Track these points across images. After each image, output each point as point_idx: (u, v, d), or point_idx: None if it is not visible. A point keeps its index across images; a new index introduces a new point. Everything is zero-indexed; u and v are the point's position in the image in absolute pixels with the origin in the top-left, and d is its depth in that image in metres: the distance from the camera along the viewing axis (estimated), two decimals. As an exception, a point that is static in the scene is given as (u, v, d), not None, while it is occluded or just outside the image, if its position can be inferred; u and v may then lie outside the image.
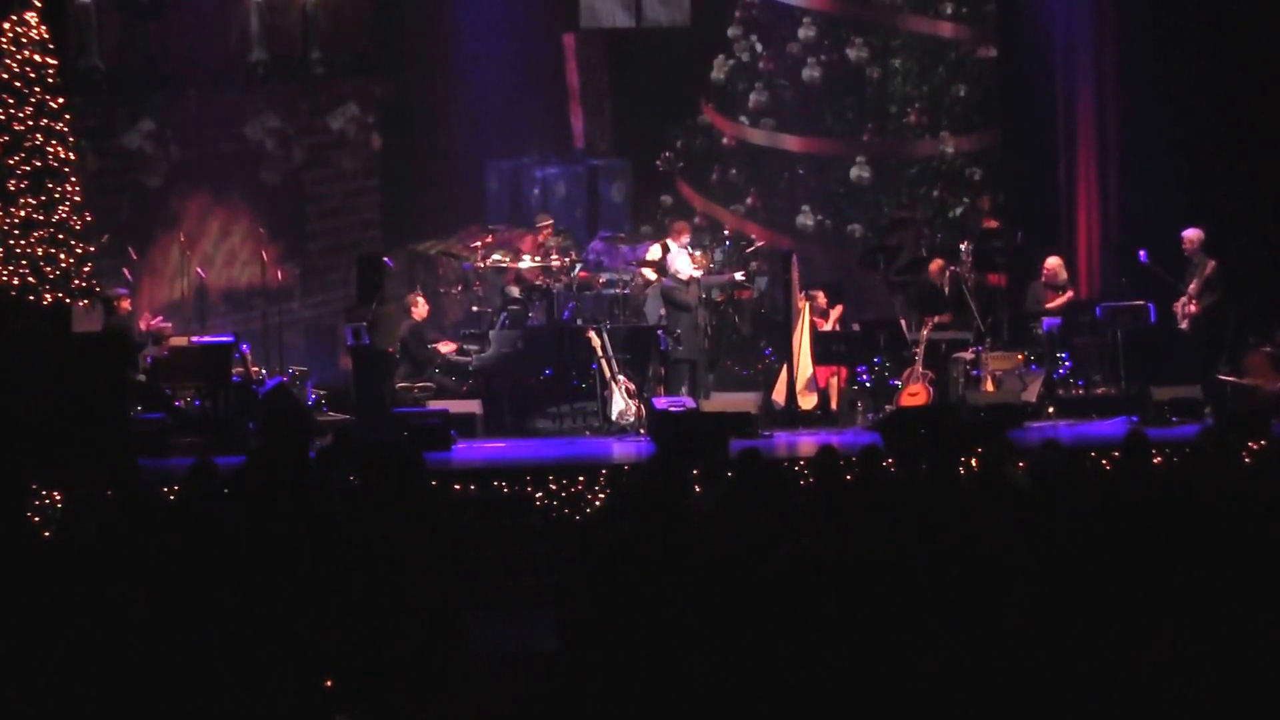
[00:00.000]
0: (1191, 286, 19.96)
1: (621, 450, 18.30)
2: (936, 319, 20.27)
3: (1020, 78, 23.53)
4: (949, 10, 24.19)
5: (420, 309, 20.55)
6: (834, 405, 20.45)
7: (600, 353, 19.64)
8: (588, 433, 19.66)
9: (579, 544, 12.41)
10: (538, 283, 21.01)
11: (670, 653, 7.37)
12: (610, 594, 8.46)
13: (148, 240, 22.76)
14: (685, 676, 7.22)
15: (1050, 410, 19.75)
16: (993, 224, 23.07)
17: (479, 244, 21.72)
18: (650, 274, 21.33)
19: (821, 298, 21.12)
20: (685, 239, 21.04)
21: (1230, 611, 7.95)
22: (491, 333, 20.67)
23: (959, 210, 24.06)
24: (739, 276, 21.95)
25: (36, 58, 17.85)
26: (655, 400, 18.89)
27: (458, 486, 15.69)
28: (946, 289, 20.87)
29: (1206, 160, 21.57)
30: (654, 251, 21.61)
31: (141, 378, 19.10)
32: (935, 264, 21.23)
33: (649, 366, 20.36)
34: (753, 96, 24.49)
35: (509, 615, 13.02)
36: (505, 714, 9.16)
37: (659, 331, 20.10)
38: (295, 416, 11.24)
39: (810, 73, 24.36)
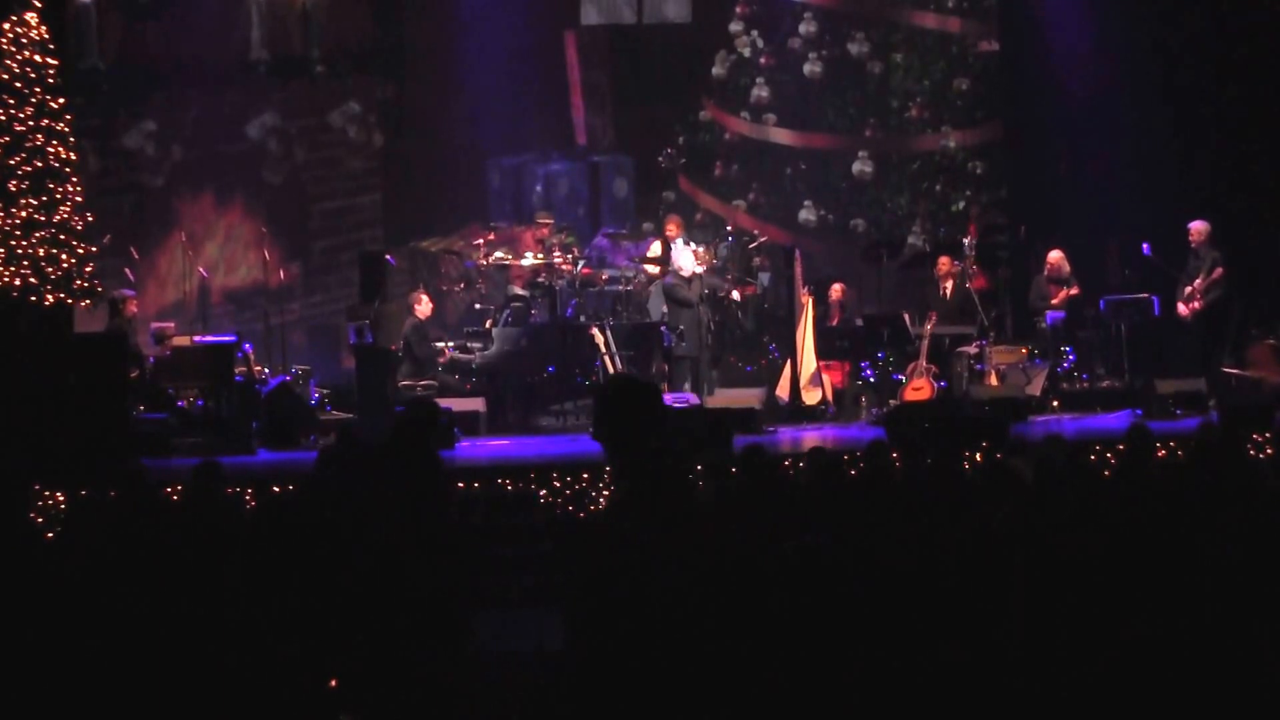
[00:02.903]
0: (1197, 282, 19.94)
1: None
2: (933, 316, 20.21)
3: (1022, 71, 23.53)
4: (950, 4, 24.19)
5: (424, 307, 20.52)
6: (828, 395, 20.43)
7: (603, 349, 19.63)
8: (591, 430, 19.60)
9: (584, 541, 12.38)
10: (540, 280, 20.97)
11: (675, 651, 7.34)
12: (614, 591, 8.43)
13: (149, 240, 22.80)
14: (690, 674, 7.20)
15: (1054, 404, 19.75)
16: (975, 222, 23.08)
17: (481, 241, 21.68)
18: (653, 269, 21.32)
19: (837, 290, 21.14)
20: (674, 233, 21.04)
21: (1233, 604, 7.94)
22: (494, 330, 20.63)
23: (961, 205, 24.06)
24: (735, 295, 21.79)
25: (37, 58, 17.86)
26: (658, 397, 18.84)
27: (461, 484, 15.65)
28: (950, 286, 20.79)
29: (1209, 152, 21.56)
30: (654, 249, 21.60)
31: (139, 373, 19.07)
32: (944, 261, 21.08)
33: (652, 363, 20.34)
34: (754, 92, 24.49)
35: (513, 614, 13.01)
36: (510, 713, 9.15)
37: (662, 328, 20.08)
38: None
39: (811, 68, 24.37)
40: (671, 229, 21.24)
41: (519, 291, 21.09)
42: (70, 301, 17.99)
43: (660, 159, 24.49)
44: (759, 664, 7.21)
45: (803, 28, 24.37)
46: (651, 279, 21.27)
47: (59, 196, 17.84)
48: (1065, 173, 22.79)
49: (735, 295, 21.76)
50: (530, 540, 15.17)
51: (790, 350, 20.53)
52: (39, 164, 17.77)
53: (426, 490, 10.52)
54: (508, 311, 20.91)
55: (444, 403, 19.03)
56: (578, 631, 7.14)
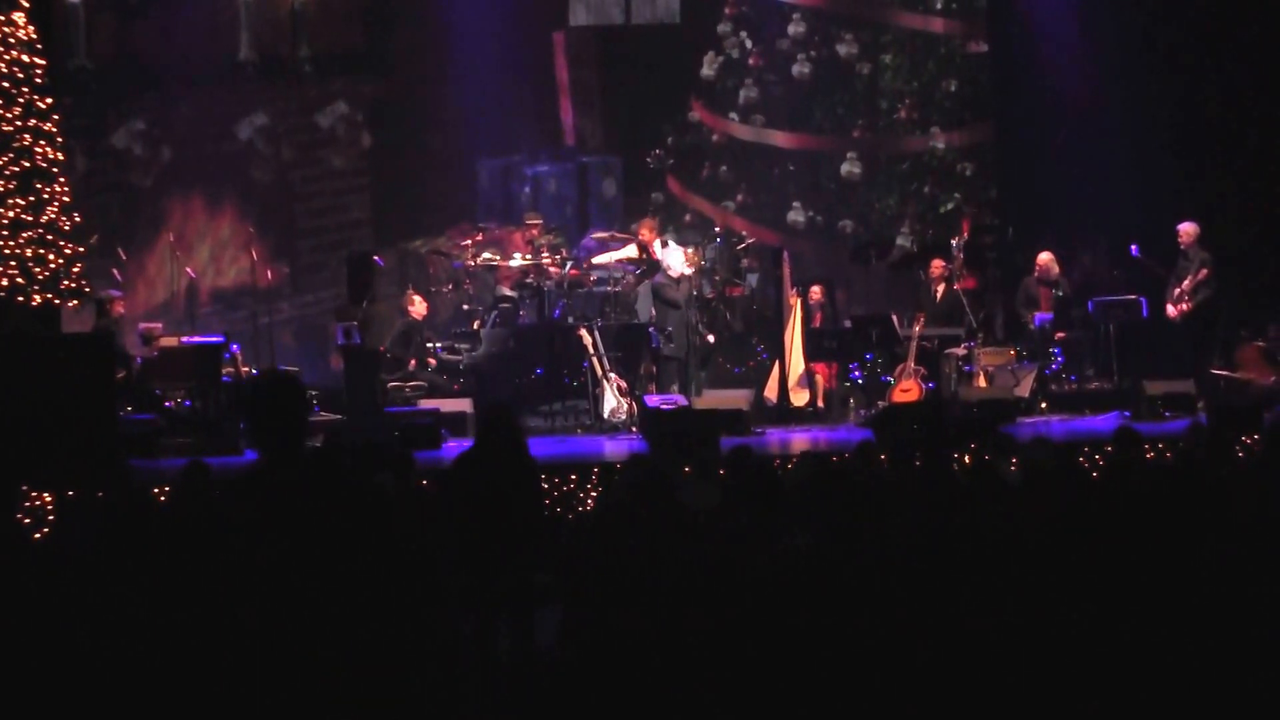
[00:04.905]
0: (1185, 283, 19.96)
1: (613, 448, 18.25)
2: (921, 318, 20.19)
3: (1010, 72, 23.55)
4: (939, 5, 24.20)
5: (417, 308, 20.49)
6: (820, 402, 20.43)
7: (591, 351, 19.62)
8: (579, 431, 19.62)
9: (576, 542, 12.39)
10: (528, 281, 20.96)
11: (667, 652, 7.34)
12: (607, 592, 8.43)
13: (137, 241, 22.76)
14: (683, 675, 7.20)
15: (1043, 405, 19.76)
16: (968, 223, 23.12)
17: (469, 242, 21.65)
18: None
19: (816, 291, 21.12)
20: (648, 237, 21.05)
21: (1221, 606, 7.93)
22: (482, 331, 20.62)
23: (949, 206, 24.07)
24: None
25: (24, 58, 17.80)
26: (647, 398, 18.85)
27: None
28: (942, 289, 20.77)
29: (1198, 153, 21.58)
30: (629, 251, 21.55)
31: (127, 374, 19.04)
32: (937, 263, 21.05)
33: (640, 364, 20.33)
34: (742, 93, 24.49)
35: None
36: (504, 714, 9.13)
37: (650, 329, 20.07)
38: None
39: (800, 69, 24.38)
40: (645, 233, 21.24)
41: (507, 292, 21.08)
42: (57, 302, 17.95)
43: (648, 160, 24.48)
44: (748, 665, 7.20)
45: (791, 29, 24.37)
46: (639, 279, 21.23)
47: (46, 197, 17.79)
48: (1054, 174, 22.78)
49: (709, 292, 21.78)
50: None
51: (778, 351, 20.52)
52: (26, 164, 17.72)
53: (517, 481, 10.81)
54: (496, 312, 20.90)
55: (431, 404, 19.05)
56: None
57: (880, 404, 19.63)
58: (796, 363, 20.41)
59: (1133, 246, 20.26)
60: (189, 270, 22.03)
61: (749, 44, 24.52)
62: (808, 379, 20.43)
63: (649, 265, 20.96)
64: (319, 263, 23.96)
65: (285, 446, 6.44)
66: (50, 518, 14.45)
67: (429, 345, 20.56)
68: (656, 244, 20.90)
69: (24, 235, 17.55)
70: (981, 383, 19.74)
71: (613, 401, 19.40)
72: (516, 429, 11.30)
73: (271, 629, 6.27)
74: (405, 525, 11.18)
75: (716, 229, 23.46)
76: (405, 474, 12.67)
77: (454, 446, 18.31)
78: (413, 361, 20.26)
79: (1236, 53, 21.57)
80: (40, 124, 17.92)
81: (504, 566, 10.70)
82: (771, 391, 20.43)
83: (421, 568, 10.34)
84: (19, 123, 17.72)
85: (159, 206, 23.30)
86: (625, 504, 11.22)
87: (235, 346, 19.95)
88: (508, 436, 11.13)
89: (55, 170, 17.99)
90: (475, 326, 20.89)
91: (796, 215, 24.31)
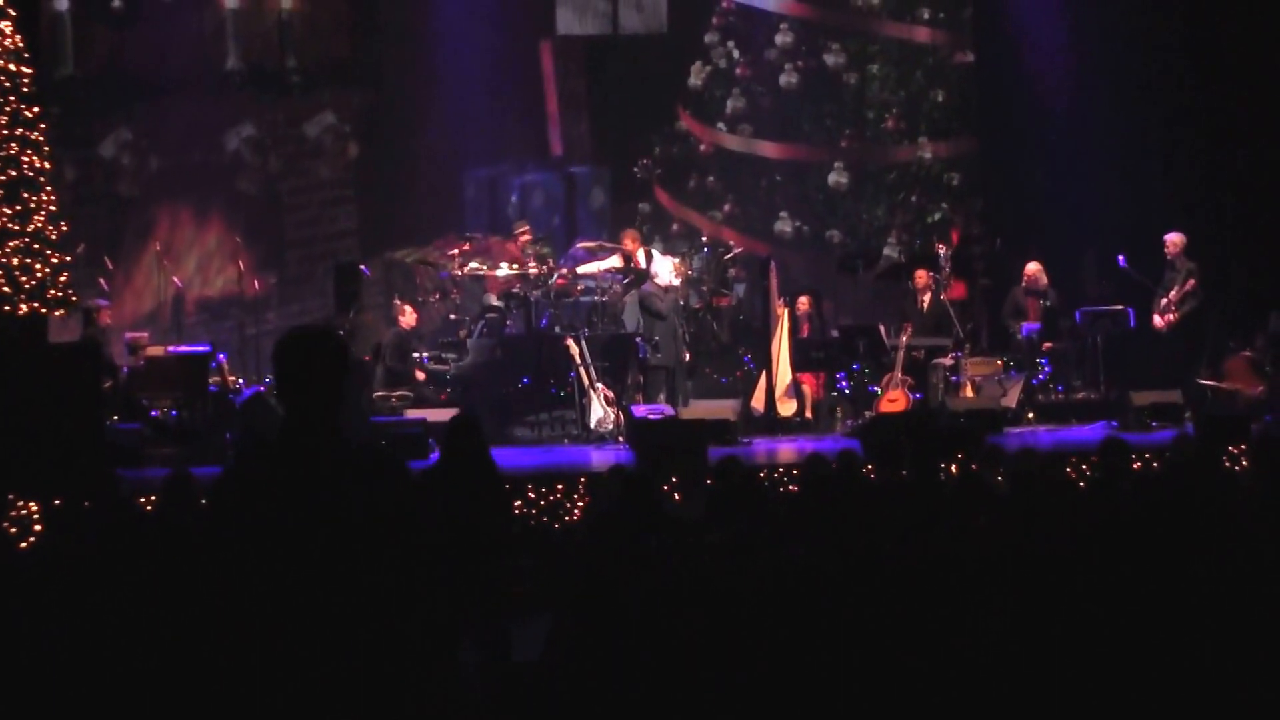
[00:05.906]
0: (1173, 294, 19.97)
1: (600, 458, 18.22)
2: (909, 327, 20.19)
3: (998, 83, 23.57)
4: (926, 16, 24.23)
5: (408, 318, 20.46)
6: (807, 412, 20.43)
7: (578, 360, 19.60)
8: (566, 441, 19.61)
9: (565, 553, 12.40)
10: (515, 290, 20.94)
11: (655, 660, 7.33)
12: (595, 602, 8.43)
13: (124, 250, 22.72)
14: (671, 684, 7.19)
15: (1030, 416, 19.77)
16: (958, 232, 23.15)
17: (456, 252, 21.63)
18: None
19: (804, 302, 21.11)
20: (631, 248, 21.05)
21: (1207, 616, 7.94)
22: (469, 341, 20.61)
23: (937, 216, 24.09)
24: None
25: (11, 67, 17.76)
26: (634, 408, 18.84)
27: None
28: (928, 299, 20.77)
29: (1185, 163, 21.60)
30: (613, 261, 21.53)
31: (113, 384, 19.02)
32: (921, 274, 21.06)
33: (627, 374, 20.32)
34: (730, 103, 24.51)
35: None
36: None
37: (637, 339, 20.06)
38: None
39: (787, 79, 24.40)
40: (628, 243, 21.22)
41: (494, 302, 21.05)
42: (44, 311, 17.91)
43: (635, 170, 24.47)
44: (739, 672, 7.20)
45: (779, 38, 24.39)
46: (626, 289, 21.22)
47: (33, 206, 17.74)
48: (1041, 184, 22.80)
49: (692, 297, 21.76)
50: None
51: (766, 362, 20.51)
52: (13, 173, 17.67)
53: (486, 495, 10.79)
54: (483, 322, 20.88)
55: (418, 413, 19.02)
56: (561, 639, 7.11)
57: (867, 414, 19.63)
58: (783, 373, 20.39)
59: (1120, 257, 20.27)
60: (176, 280, 22.01)
61: (736, 54, 24.54)
62: (795, 389, 20.41)
63: (636, 275, 20.95)
64: (306, 273, 23.93)
65: (312, 410, 5.91)
66: (36, 526, 14.42)
67: (414, 355, 20.53)
68: (640, 254, 20.91)
69: (10, 244, 17.50)
70: (969, 393, 19.75)
71: (600, 411, 19.39)
72: (481, 441, 11.24)
73: (268, 630, 5.97)
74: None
75: (703, 239, 23.48)
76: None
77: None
78: (419, 373, 20.28)
79: (1223, 63, 21.59)
80: (27, 133, 17.88)
81: (473, 579, 10.65)
82: (759, 402, 20.41)
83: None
84: (6, 132, 17.68)
85: (146, 216, 23.26)
86: (612, 514, 11.24)
87: (222, 356, 19.92)
88: (473, 449, 11.08)
89: (42, 179, 17.94)
90: (462, 336, 20.86)
91: (784, 225, 24.33)
